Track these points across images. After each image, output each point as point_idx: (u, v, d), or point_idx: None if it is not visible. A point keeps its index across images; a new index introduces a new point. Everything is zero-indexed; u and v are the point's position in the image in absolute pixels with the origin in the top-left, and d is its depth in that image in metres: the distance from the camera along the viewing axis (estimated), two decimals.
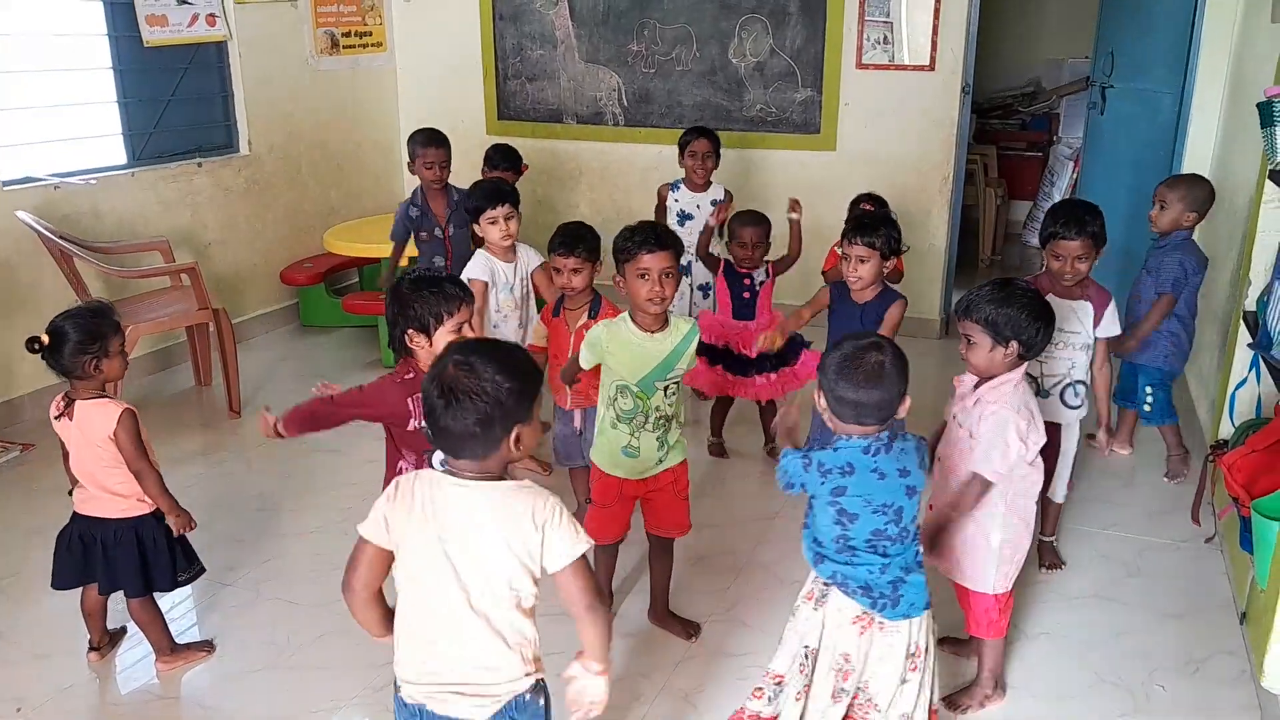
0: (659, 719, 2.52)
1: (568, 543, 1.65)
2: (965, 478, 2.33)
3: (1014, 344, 2.30)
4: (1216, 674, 2.67)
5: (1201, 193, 3.55)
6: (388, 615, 1.78)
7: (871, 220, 3.09)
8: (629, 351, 2.52)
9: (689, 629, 2.84)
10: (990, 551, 2.39)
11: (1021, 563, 2.45)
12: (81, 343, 2.43)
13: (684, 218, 4.31)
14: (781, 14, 5.34)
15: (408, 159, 4.28)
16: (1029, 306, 2.31)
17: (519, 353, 1.71)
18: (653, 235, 2.50)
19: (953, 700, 2.54)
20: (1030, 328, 2.30)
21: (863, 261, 3.01)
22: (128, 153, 4.73)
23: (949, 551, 2.44)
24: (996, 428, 2.28)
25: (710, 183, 4.34)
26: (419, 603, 1.70)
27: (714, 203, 4.19)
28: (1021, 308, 2.30)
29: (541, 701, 1.75)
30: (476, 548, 1.64)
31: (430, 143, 4.16)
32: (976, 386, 2.38)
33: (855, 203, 3.91)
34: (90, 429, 2.47)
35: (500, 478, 1.68)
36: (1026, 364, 2.37)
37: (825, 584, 2.09)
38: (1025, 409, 2.31)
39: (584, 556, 1.68)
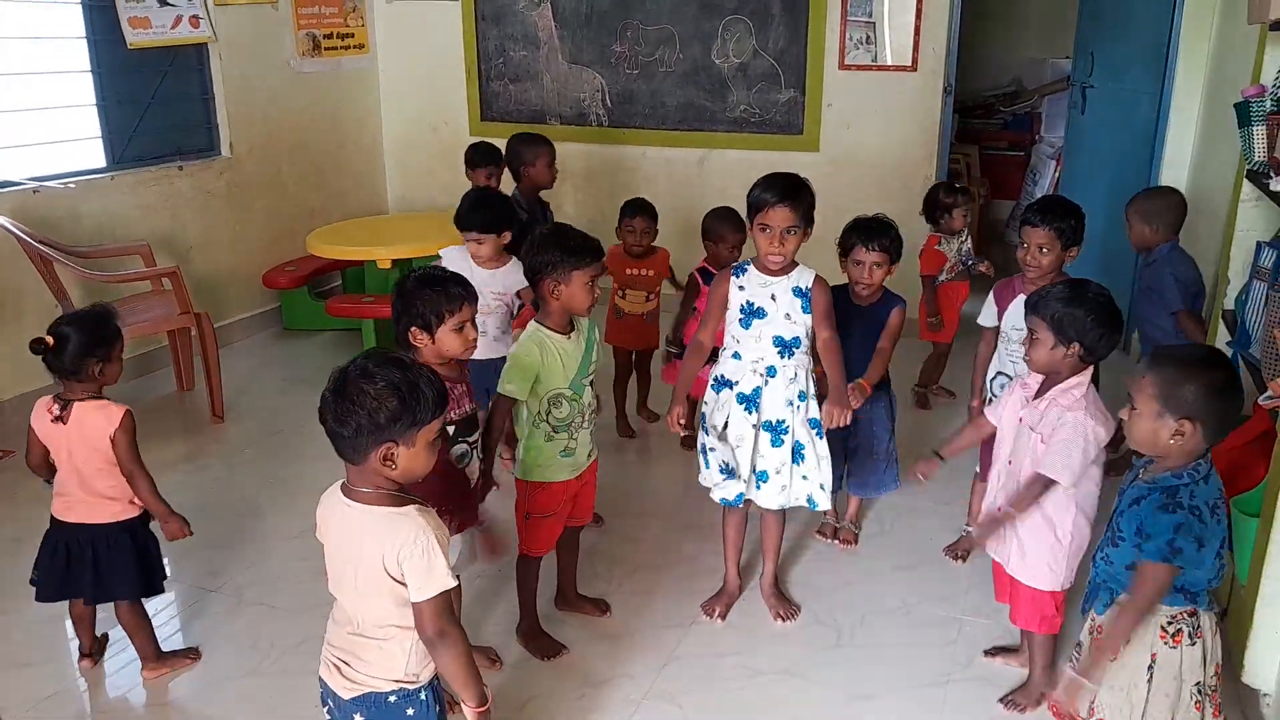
0: None
1: (419, 581, 1.71)
2: (1029, 477, 2.33)
3: (1075, 345, 2.28)
4: None
5: (1153, 206, 3.47)
6: None
7: (880, 226, 3.10)
8: (561, 358, 2.55)
9: (601, 606, 2.94)
10: (1060, 548, 2.37)
11: (1080, 555, 2.43)
12: (87, 346, 2.43)
13: (750, 314, 2.69)
14: (764, 15, 5.35)
15: (519, 163, 4.05)
16: (1096, 310, 2.29)
17: (424, 377, 1.75)
18: (596, 245, 2.62)
19: (1011, 700, 2.56)
20: (1094, 331, 2.28)
21: (878, 266, 3.03)
22: (107, 156, 4.69)
23: (1012, 546, 2.43)
24: (1074, 433, 2.27)
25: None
26: (333, 582, 1.83)
27: (798, 292, 2.66)
28: (1089, 310, 2.28)
29: (410, 712, 1.80)
30: (358, 564, 1.74)
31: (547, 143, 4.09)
32: (1043, 387, 2.36)
33: (935, 189, 4.38)
34: (90, 431, 2.46)
35: (393, 496, 1.74)
36: (1092, 367, 2.35)
37: (1192, 613, 2.03)
38: (1100, 412, 2.31)
39: (441, 594, 1.71)
